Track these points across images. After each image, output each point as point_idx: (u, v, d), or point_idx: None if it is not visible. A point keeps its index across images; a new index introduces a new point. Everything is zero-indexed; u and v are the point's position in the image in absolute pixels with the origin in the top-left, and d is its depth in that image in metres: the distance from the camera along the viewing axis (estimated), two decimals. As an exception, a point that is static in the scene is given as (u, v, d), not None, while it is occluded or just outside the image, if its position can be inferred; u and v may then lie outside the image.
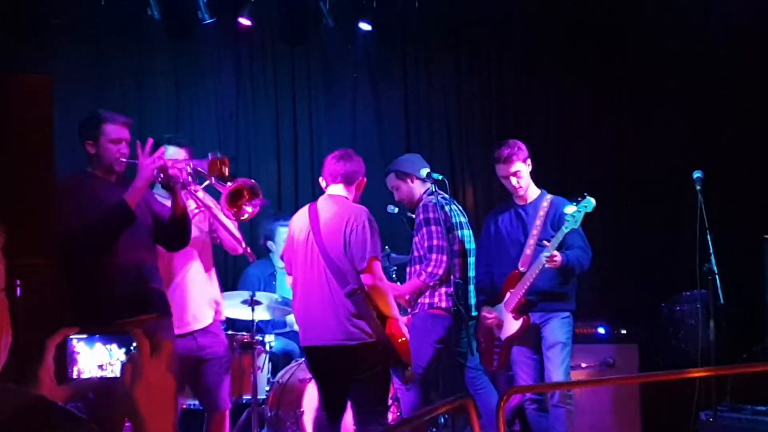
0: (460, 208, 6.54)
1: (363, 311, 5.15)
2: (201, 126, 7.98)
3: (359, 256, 5.15)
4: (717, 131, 8.46)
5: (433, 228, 6.10)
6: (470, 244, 6.34)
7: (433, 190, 6.28)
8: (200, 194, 5.28)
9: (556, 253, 5.67)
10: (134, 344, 3.25)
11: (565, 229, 5.70)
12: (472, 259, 6.31)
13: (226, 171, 4.84)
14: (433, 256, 6.14)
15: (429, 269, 6.11)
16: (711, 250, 6.60)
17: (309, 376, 6.67)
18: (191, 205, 5.24)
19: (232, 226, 5.43)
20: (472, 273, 6.29)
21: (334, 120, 8.55)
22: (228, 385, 5.65)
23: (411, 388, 5.96)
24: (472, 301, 6.28)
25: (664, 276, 8.29)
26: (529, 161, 6.03)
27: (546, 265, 5.67)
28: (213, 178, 4.86)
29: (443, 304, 6.18)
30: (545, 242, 5.75)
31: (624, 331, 7.54)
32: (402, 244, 7.57)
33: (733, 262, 7.07)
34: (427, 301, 6.29)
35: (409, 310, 6.29)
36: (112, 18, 7.60)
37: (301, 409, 6.57)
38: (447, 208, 6.27)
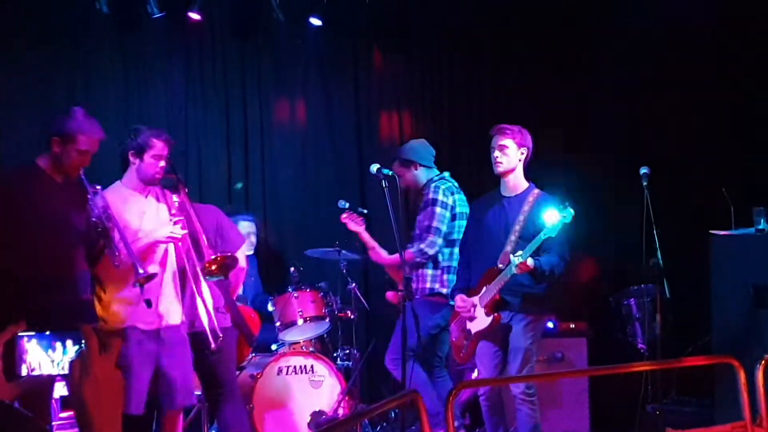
0: (465, 199, 6.63)
1: None
2: (150, 120, 7.86)
3: None
4: (663, 127, 8.55)
5: (438, 210, 6.33)
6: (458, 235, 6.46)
7: (443, 176, 6.48)
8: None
9: (528, 263, 5.62)
10: (83, 342, 3.27)
11: (542, 236, 5.65)
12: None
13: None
14: (430, 236, 6.38)
15: (422, 246, 6.36)
16: (657, 245, 6.68)
17: (259, 372, 6.68)
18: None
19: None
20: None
21: (284, 114, 8.54)
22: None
23: (413, 368, 6.22)
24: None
25: (611, 270, 8.38)
26: (525, 150, 5.93)
27: (515, 271, 5.65)
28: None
29: (444, 291, 6.46)
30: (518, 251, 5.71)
31: (572, 326, 7.61)
32: (353, 241, 7.60)
33: (679, 256, 7.16)
34: (428, 286, 6.39)
35: (399, 287, 6.35)
36: (61, 11, 7.52)
37: (252, 405, 6.58)
38: (456, 196, 6.35)
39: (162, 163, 5.41)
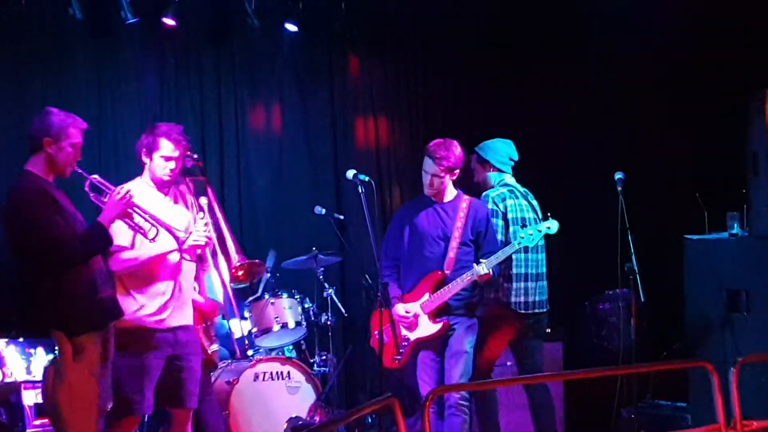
0: (533, 203, 6.40)
1: None
2: (124, 127, 7.86)
3: None
4: (638, 133, 8.60)
5: (491, 222, 6.08)
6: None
7: (503, 181, 6.33)
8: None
9: (490, 274, 5.65)
10: (57, 348, 3.24)
11: (516, 245, 5.68)
12: (535, 255, 6.25)
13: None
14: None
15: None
16: (632, 250, 6.73)
17: (236, 378, 6.66)
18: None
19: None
20: (538, 270, 6.30)
21: (260, 120, 8.52)
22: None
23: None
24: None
25: (587, 275, 8.41)
26: (457, 173, 5.92)
27: (474, 278, 5.67)
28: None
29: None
30: (482, 260, 5.69)
31: (548, 330, 7.63)
32: (329, 245, 7.60)
33: (654, 261, 7.20)
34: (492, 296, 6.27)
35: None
36: (33, 17, 7.47)
37: (227, 411, 6.55)
38: (509, 202, 6.19)
39: (172, 165, 5.26)
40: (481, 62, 8.84)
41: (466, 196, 6.00)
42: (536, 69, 8.71)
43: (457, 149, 5.86)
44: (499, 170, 6.42)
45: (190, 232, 5.21)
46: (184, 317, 5.34)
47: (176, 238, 5.08)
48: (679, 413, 6.93)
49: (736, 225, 6.63)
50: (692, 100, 8.33)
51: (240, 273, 5.35)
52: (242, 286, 5.54)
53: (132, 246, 5.13)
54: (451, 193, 5.98)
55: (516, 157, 6.48)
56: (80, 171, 4.93)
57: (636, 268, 6.74)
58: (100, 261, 4.89)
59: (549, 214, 5.68)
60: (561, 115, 8.79)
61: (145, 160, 5.30)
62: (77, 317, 4.67)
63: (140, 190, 5.19)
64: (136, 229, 5.01)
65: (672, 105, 8.45)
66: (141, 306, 5.16)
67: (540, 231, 5.70)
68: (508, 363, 6.81)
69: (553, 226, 5.68)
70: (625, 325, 7.10)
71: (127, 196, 4.90)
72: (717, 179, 7.81)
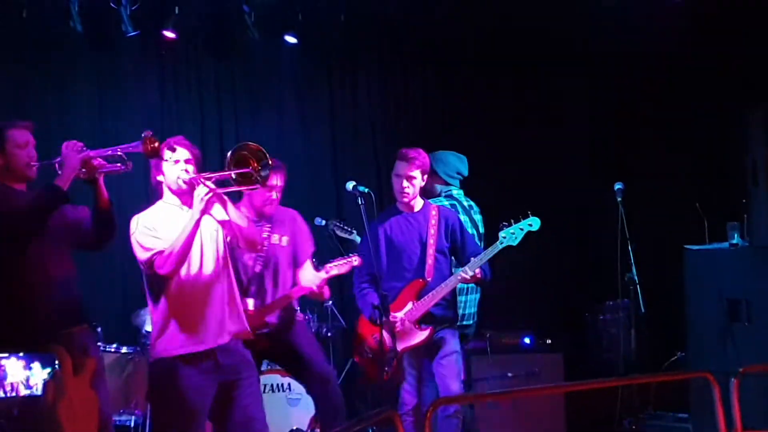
0: (475, 218, 6.57)
1: None
2: (124, 140, 7.79)
3: None
4: (638, 143, 8.61)
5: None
6: None
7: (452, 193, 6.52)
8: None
9: (477, 273, 5.71)
10: (57, 362, 3.23)
11: (500, 245, 5.72)
12: None
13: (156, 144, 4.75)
14: None
15: None
16: (632, 260, 6.73)
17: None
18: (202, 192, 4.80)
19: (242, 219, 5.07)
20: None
21: (260, 132, 8.52)
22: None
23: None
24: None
25: (587, 286, 8.41)
26: (426, 177, 5.98)
27: (459, 282, 5.73)
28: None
29: None
30: (472, 258, 5.76)
31: (549, 341, 7.63)
32: (328, 258, 7.58)
33: (654, 271, 7.21)
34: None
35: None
36: (34, 30, 7.48)
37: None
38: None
39: (182, 167, 4.91)
40: (480, 75, 8.85)
41: (434, 204, 6.08)
42: (536, 81, 8.72)
43: (424, 153, 5.96)
44: (446, 182, 6.50)
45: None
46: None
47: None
48: (680, 424, 6.92)
49: (736, 235, 6.63)
50: (692, 109, 8.34)
51: None
52: None
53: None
54: (419, 202, 6.02)
55: (465, 173, 6.66)
56: (43, 163, 4.82)
57: (636, 279, 6.75)
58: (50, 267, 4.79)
59: (529, 212, 5.70)
60: (561, 125, 8.80)
61: (160, 178, 4.99)
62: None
63: (164, 213, 4.94)
64: (107, 169, 4.79)
65: (672, 115, 8.46)
66: None
67: (522, 230, 5.74)
68: (509, 375, 6.82)
69: (534, 223, 5.72)
70: (626, 336, 7.10)
71: (78, 145, 4.71)
72: (717, 189, 7.83)
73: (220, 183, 4.87)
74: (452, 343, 5.91)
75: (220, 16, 8.07)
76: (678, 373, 6.90)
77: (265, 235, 5.76)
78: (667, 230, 8.00)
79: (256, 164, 4.81)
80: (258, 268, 5.77)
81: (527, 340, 7.58)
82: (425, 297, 5.83)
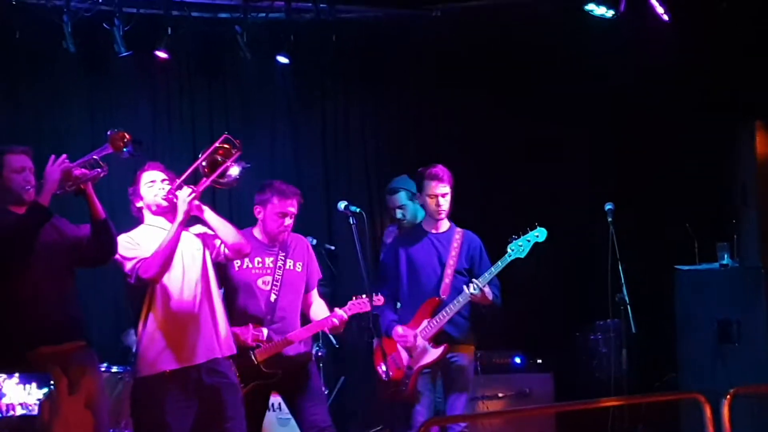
0: None
1: None
2: (117, 159, 7.85)
3: None
4: (628, 163, 8.64)
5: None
6: None
7: None
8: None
9: (486, 293, 5.75)
10: (52, 382, 3.22)
11: (508, 258, 5.77)
12: None
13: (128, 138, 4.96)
14: None
15: None
16: (623, 280, 6.75)
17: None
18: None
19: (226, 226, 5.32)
20: None
21: (252, 152, 8.52)
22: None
23: None
24: None
25: (578, 306, 8.42)
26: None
27: (469, 298, 5.74)
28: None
29: None
30: (474, 281, 5.78)
31: (539, 361, 7.64)
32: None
33: (645, 291, 7.22)
34: None
35: None
36: (27, 50, 7.50)
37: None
38: None
39: (159, 187, 5.23)
40: (472, 94, 8.87)
41: (458, 228, 6.10)
42: (527, 103, 8.74)
43: (444, 167, 6.08)
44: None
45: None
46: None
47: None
48: (670, 444, 6.93)
49: (726, 255, 6.67)
50: (682, 130, 8.37)
51: None
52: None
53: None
54: (445, 224, 6.08)
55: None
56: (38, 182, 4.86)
57: (627, 299, 6.76)
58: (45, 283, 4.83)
59: (536, 224, 5.75)
60: (551, 146, 8.82)
61: (140, 204, 5.27)
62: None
63: (147, 232, 5.15)
64: (88, 177, 4.86)
65: (662, 135, 8.49)
66: None
67: (529, 241, 5.78)
68: (499, 395, 6.82)
69: (541, 234, 5.76)
70: (617, 356, 7.11)
71: (60, 159, 4.77)
72: (707, 209, 7.85)
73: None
74: (465, 368, 5.95)
75: (213, 37, 8.11)
76: (668, 393, 6.91)
77: (279, 263, 5.76)
78: (658, 250, 8.02)
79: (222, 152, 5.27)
80: (273, 296, 5.75)
81: (518, 360, 7.59)
82: (438, 315, 5.86)
